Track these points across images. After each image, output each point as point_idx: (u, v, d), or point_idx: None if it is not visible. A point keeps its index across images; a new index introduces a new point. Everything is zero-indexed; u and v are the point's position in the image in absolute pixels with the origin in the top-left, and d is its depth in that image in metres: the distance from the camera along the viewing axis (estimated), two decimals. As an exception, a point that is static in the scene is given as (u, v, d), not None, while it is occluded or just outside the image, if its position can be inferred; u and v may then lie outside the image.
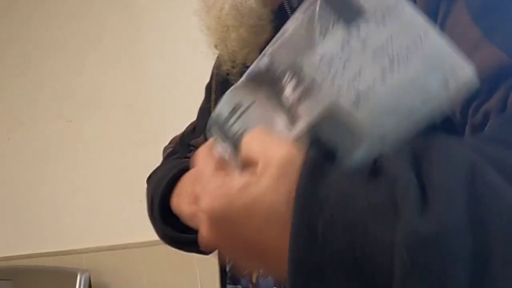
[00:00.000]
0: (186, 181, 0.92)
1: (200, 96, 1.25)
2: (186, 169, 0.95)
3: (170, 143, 1.28)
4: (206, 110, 1.11)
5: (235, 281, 0.96)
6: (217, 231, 0.49)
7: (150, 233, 2.01)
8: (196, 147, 1.08)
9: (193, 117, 1.30)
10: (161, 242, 1.05)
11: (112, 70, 2.39)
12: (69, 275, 2.17)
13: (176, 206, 0.88)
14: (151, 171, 2.04)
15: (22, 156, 2.62)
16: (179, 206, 0.87)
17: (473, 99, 0.57)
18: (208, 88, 1.13)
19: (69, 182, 2.45)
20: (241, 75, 0.85)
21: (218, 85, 1.04)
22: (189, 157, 1.07)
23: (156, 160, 2.11)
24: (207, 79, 1.27)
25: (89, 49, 2.47)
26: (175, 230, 0.97)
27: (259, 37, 0.86)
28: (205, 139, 1.01)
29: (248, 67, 0.93)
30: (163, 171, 1.04)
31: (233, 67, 0.97)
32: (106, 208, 2.31)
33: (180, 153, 1.18)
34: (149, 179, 1.15)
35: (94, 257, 2.30)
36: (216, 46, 1.00)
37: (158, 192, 0.98)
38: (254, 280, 0.93)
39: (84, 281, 2.13)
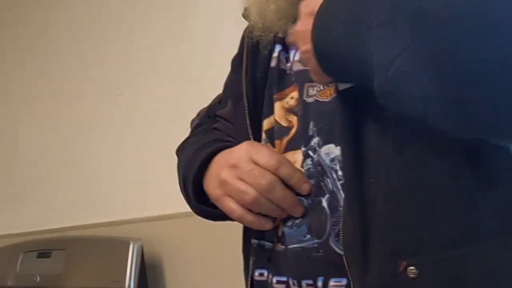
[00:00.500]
0: (214, 167, 1.00)
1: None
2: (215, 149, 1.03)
3: (197, 115, 1.33)
4: (234, 80, 1.13)
5: (259, 236, 1.00)
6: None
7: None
8: (222, 117, 1.19)
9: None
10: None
11: (162, 43, 2.41)
12: (122, 244, 2.20)
13: (206, 187, 1.01)
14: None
15: (72, 129, 2.67)
16: (207, 188, 1.01)
17: None
18: (237, 59, 1.15)
19: (120, 155, 2.48)
20: (272, 43, 1.01)
21: (249, 53, 1.07)
22: (215, 128, 1.17)
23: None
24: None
25: (138, 22, 2.49)
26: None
27: (296, 8, 0.86)
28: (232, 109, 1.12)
29: (279, 37, 0.96)
30: (192, 148, 1.12)
31: (266, 35, 1.01)
32: (157, 179, 2.33)
33: (206, 124, 1.23)
34: (178, 151, 1.25)
35: (146, 227, 2.33)
36: (248, 16, 1.04)
37: (190, 174, 1.05)
38: (280, 233, 0.96)
39: (137, 250, 2.16)
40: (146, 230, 2.32)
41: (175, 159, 2.24)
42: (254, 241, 1.02)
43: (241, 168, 0.92)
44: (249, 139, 1.00)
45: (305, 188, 0.90)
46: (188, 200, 1.12)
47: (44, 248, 2.48)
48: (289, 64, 1.00)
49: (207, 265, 2.22)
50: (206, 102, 2.16)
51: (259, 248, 1.00)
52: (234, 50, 2.13)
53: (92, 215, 2.52)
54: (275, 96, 1.00)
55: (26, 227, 2.75)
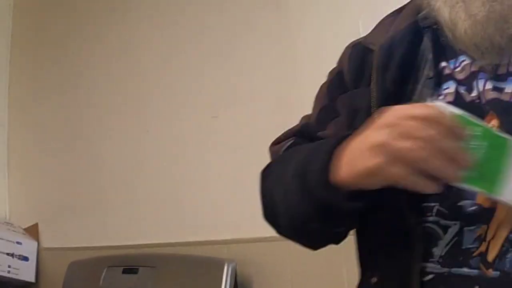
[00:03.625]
0: (354, 145, 0.93)
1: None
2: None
3: (276, 142, 1.37)
4: (353, 94, 1.15)
5: (452, 264, 0.95)
6: None
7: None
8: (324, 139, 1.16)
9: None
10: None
11: (260, 65, 2.47)
12: (216, 265, 2.25)
13: (349, 171, 0.92)
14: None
15: (162, 148, 2.74)
16: (352, 169, 0.91)
17: None
18: (354, 74, 1.18)
19: (214, 175, 2.55)
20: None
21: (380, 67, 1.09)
22: None
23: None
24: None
25: (236, 42, 2.55)
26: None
27: None
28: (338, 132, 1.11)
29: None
30: (301, 154, 1.10)
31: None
32: (251, 201, 2.38)
33: (305, 143, 1.21)
34: (264, 172, 1.30)
35: (238, 249, 2.38)
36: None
37: (313, 171, 1.00)
38: (490, 258, 0.92)
39: (231, 271, 2.20)
40: (238, 251, 2.37)
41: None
42: (434, 268, 0.96)
43: (399, 124, 0.85)
44: None
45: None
46: (305, 208, 1.06)
47: (131, 264, 2.54)
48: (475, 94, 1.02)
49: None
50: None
51: (452, 276, 0.94)
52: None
53: (182, 233, 2.58)
54: None
55: (111, 240, 2.82)
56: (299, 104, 2.31)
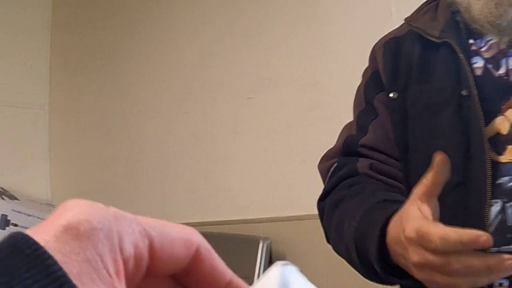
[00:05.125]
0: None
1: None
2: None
3: (324, 160, 1.38)
4: (423, 91, 1.17)
5: (501, 242, 0.98)
6: None
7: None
8: (367, 146, 1.22)
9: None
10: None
11: (293, 47, 2.53)
12: (252, 242, 2.33)
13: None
14: (329, 146, 2.19)
15: (199, 130, 2.83)
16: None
17: None
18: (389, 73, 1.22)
19: (250, 156, 2.63)
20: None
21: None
22: (356, 168, 1.22)
23: (334, 136, 2.24)
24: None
25: (268, 26, 2.63)
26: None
27: None
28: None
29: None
30: (349, 215, 1.14)
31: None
32: (286, 181, 2.47)
33: (347, 167, 1.25)
34: (325, 204, 1.31)
35: (272, 227, 2.46)
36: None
37: (371, 250, 1.05)
38: None
39: (266, 248, 2.28)
40: (272, 230, 2.45)
41: (304, 162, 2.39)
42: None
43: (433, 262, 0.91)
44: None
45: (483, 239, 0.85)
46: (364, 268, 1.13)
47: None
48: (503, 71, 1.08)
49: (331, 269, 2.33)
50: (336, 108, 2.30)
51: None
52: (365, 58, 2.26)
53: (218, 212, 2.67)
54: (503, 106, 1.05)
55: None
56: (329, 86, 2.39)
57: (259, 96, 2.63)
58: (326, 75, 2.43)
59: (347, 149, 1.28)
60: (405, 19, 1.27)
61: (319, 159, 1.40)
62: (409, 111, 1.16)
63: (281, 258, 2.43)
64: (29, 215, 3.36)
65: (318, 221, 2.34)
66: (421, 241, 0.88)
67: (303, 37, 2.52)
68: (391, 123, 1.20)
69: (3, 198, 3.37)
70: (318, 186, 2.34)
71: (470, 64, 1.09)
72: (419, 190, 0.94)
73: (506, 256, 0.85)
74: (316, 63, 2.47)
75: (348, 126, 1.34)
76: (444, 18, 1.16)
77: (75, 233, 0.33)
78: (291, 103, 2.52)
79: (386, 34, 1.33)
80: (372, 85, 1.27)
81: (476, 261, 0.86)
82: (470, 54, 1.11)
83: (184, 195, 2.86)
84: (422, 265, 0.90)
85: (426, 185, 0.92)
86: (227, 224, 2.61)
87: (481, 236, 0.83)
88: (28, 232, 0.33)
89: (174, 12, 3.06)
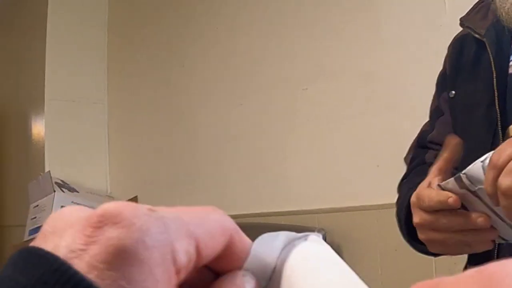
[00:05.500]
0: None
1: (434, 69, 1.39)
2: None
3: (408, 151, 1.46)
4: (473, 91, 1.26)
5: None
6: None
7: (384, 196, 2.16)
8: (433, 142, 1.34)
9: (426, 88, 1.45)
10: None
11: (349, 38, 2.54)
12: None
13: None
14: (385, 137, 2.21)
15: (254, 121, 2.86)
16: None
17: None
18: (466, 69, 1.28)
19: (304, 147, 2.65)
20: None
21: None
22: (424, 159, 1.33)
23: (390, 127, 2.24)
24: (443, 53, 1.40)
25: (324, 17, 2.64)
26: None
27: None
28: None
29: None
30: (404, 192, 1.26)
31: None
32: (340, 172, 2.48)
33: (419, 157, 1.36)
34: (399, 186, 1.38)
35: (327, 218, 2.48)
36: None
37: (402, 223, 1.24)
38: None
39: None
40: (327, 221, 2.47)
41: (360, 153, 2.40)
42: None
43: None
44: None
45: (450, 200, 0.99)
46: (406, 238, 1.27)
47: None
48: None
49: (385, 259, 2.34)
50: (392, 98, 2.30)
51: None
52: (422, 50, 2.25)
53: (272, 204, 2.70)
54: None
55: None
56: (384, 76, 2.39)
57: (315, 87, 2.64)
58: (382, 65, 2.43)
59: (421, 143, 1.41)
60: (460, 18, 1.34)
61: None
62: (457, 109, 1.29)
63: (336, 249, 2.45)
64: (88, 207, 3.44)
65: (373, 212, 2.36)
66: (418, 203, 1.04)
67: (359, 27, 2.52)
68: (452, 120, 1.32)
69: (63, 191, 3.46)
70: (373, 177, 2.36)
71: (504, 65, 1.16)
72: (434, 166, 1.08)
73: (476, 214, 0.97)
74: (372, 53, 2.47)
75: (427, 122, 1.45)
76: (494, 17, 1.22)
77: (130, 257, 0.30)
78: (347, 93, 2.53)
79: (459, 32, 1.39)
80: (440, 84, 1.38)
81: (456, 218, 0.99)
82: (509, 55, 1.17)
83: (241, 187, 2.90)
84: (420, 225, 1.06)
85: (440, 161, 1.07)
86: (283, 215, 2.64)
87: (450, 197, 0.98)
88: (68, 254, 0.30)
89: (229, 4, 3.09)
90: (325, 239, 2.33)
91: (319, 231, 2.34)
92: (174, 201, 3.33)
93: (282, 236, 0.42)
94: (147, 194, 3.63)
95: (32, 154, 4.26)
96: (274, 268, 0.40)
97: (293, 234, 0.42)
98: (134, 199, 3.67)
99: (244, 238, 0.40)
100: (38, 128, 4.14)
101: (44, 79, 4.04)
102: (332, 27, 2.62)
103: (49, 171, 3.54)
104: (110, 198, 3.84)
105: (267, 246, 0.41)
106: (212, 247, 0.36)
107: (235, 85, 3.00)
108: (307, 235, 0.42)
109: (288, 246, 0.41)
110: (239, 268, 0.39)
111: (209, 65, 3.17)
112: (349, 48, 2.54)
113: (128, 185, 3.87)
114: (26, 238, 3.58)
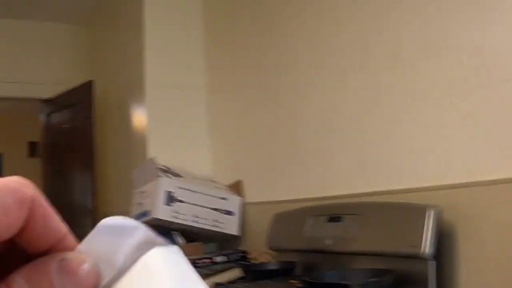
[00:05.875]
0: None
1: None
2: None
3: None
4: None
5: None
6: None
7: (501, 171, 2.09)
8: None
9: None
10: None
11: (454, 14, 2.48)
12: (418, 211, 2.31)
13: None
14: (501, 110, 2.13)
15: (358, 100, 2.82)
16: None
17: None
18: None
19: (413, 125, 2.60)
20: None
21: None
22: None
23: (505, 100, 2.17)
24: None
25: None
26: None
27: None
28: None
29: None
30: None
31: None
32: (454, 147, 2.42)
33: None
34: None
35: (443, 195, 2.43)
36: None
37: None
38: None
39: (435, 216, 2.25)
40: (445, 197, 2.41)
41: (472, 127, 2.33)
42: None
43: None
44: None
45: None
46: None
47: (335, 212, 2.66)
48: None
49: (501, 236, 2.27)
50: (501, 70, 2.23)
51: None
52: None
53: (386, 182, 2.67)
54: None
55: (313, 192, 2.96)
56: (495, 49, 2.31)
57: (424, 62, 2.58)
58: (492, 38, 2.36)
59: None
60: None
61: None
62: None
63: (451, 226, 2.40)
64: (194, 191, 3.49)
65: (492, 188, 2.30)
66: None
67: (466, 1, 2.46)
68: None
69: (168, 176, 3.51)
70: (487, 152, 2.29)
71: None
72: None
73: None
74: (482, 26, 2.40)
75: None
76: None
77: None
78: (457, 67, 2.46)
79: None
80: None
81: None
82: None
83: (349, 166, 2.87)
84: None
85: None
86: (396, 194, 2.60)
87: None
88: None
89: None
90: (439, 216, 2.29)
91: (432, 208, 2.29)
92: (279, 183, 3.33)
93: (140, 235, 0.40)
94: (251, 177, 3.65)
95: (134, 141, 4.36)
96: (123, 266, 0.38)
97: (151, 236, 0.40)
98: (239, 183, 3.70)
99: (49, 214, 0.36)
100: (140, 115, 4.23)
101: (144, 67, 4.12)
102: (438, 1, 2.55)
103: (155, 157, 3.60)
104: (213, 182, 3.89)
105: (119, 239, 0.39)
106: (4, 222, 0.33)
107: (339, 63, 2.97)
108: (165, 244, 0.40)
109: (144, 248, 0.39)
110: (54, 247, 0.36)
111: (311, 43, 3.15)
112: (459, 21, 2.47)
113: (231, 169, 3.91)
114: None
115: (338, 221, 2.63)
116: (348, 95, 2.90)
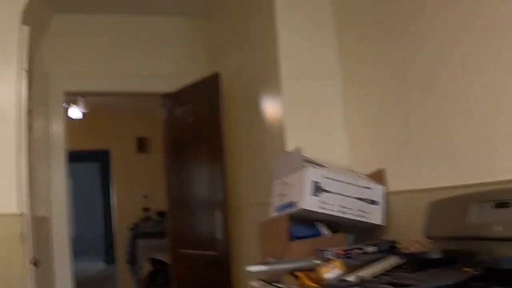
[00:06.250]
0: None
1: None
2: None
3: None
4: None
5: None
6: None
7: None
8: None
9: None
10: None
11: None
12: None
13: None
14: None
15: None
16: None
17: None
18: None
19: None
20: None
21: None
22: None
23: None
24: None
25: None
26: None
27: None
28: None
29: None
30: None
31: None
32: None
33: None
34: None
35: None
36: None
37: None
38: None
39: None
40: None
41: None
42: None
43: None
44: None
45: None
46: None
47: (502, 198, 2.57)
48: None
49: None
50: None
51: None
52: None
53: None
54: None
55: (471, 178, 2.86)
56: None
57: None
58: None
59: None
60: None
61: None
62: None
63: None
64: (339, 181, 3.46)
65: None
66: None
67: None
68: None
69: (314, 166, 3.50)
70: None
71: None
72: None
73: None
74: None
75: None
76: None
77: None
78: None
79: None
80: None
81: None
82: None
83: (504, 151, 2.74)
84: None
85: None
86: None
87: None
88: None
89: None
90: None
91: None
92: (424, 172, 3.26)
93: None
94: (393, 165, 3.60)
95: (269, 132, 4.37)
96: None
97: None
98: (380, 172, 3.65)
99: None
100: (275, 106, 4.25)
101: (279, 57, 4.13)
102: None
103: (300, 147, 3.59)
104: (353, 172, 3.86)
105: None
106: None
107: (475, 50, 2.80)
108: None
109: None
110: None
111: (449, 29, 3.01)
112: None
113: (370, 158, 3.86)
114: (274, 214, 3.66)
115: (508, 206, 2.54)
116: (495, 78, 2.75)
